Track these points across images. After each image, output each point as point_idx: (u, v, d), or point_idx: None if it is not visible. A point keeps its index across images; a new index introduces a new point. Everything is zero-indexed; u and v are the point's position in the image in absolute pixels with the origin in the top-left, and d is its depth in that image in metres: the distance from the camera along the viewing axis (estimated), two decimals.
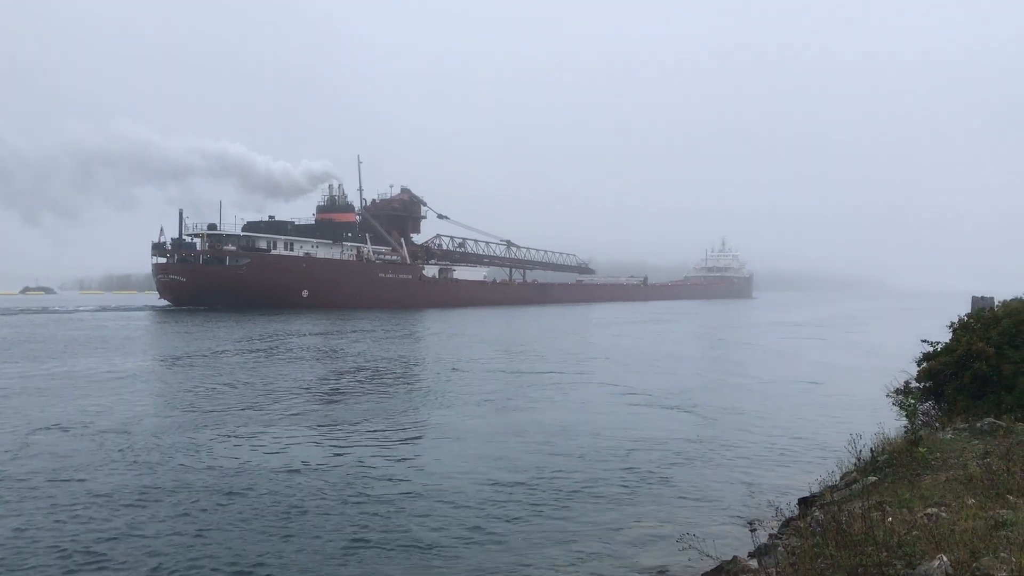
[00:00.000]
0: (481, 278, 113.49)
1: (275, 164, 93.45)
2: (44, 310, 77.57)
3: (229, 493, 11.19)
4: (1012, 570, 4.20)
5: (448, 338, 43.05)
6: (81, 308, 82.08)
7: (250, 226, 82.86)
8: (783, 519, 8.47)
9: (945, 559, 4.36)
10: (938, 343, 11.86)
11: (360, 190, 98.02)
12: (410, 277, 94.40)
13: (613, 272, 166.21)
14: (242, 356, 30.96)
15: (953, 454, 8.24)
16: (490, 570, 8.43)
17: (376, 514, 10.26)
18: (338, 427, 16.24)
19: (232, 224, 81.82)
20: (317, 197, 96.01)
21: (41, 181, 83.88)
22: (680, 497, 11.20)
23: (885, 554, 4.65)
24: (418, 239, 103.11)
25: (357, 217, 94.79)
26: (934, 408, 11.54)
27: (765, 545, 7.12)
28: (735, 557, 7.15)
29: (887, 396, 11.65)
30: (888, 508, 6.16)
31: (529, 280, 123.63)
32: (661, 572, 8.28)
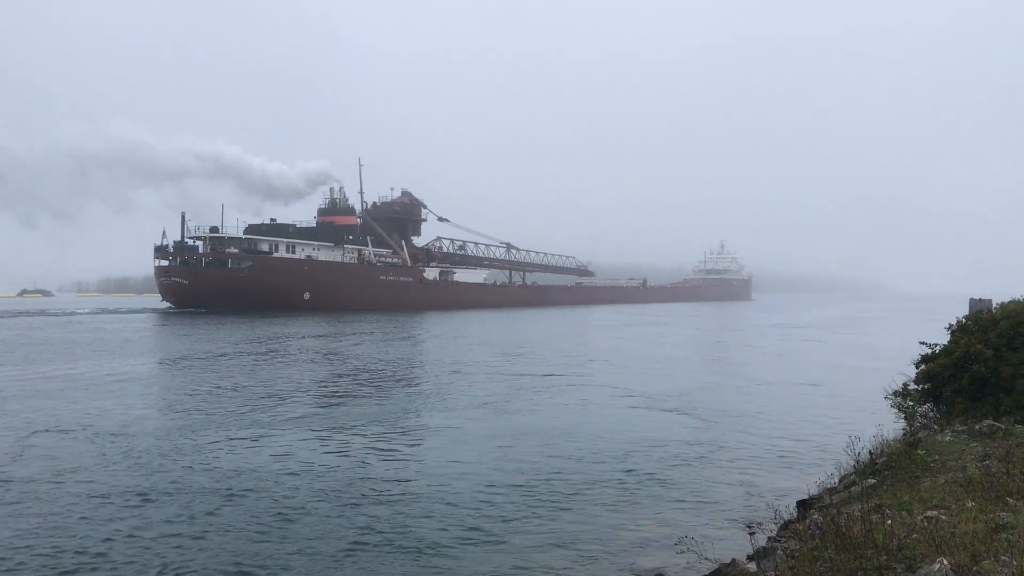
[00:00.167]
0: (481, 280, 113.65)
1: (270, 166, 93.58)
2: (42, 312, 77.43)
3: (230, 495, 11.17)
4: (1013, 573, 4.18)
5: (449, 340, 43.04)
6: (81, 310, 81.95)
7: (252, 229, 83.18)
8: (782, 522, 8.44)
9: (945, 562, 4.33)
10: (936, 345, 11.84)
11: (361, 193, 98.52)
12: (411, 279, 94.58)
13: (612, 274, 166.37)
14: (244, 358, 30.95)
15: (952, 456, 8.22)
16: (489, 572, 8.41)
17: (376, 516, 10.24)
18: (339, 429, 16.21)
19: (234, 227, 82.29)
20: (317, 200, 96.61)
21: (37, 183, 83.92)
22: (678, 499, 11.18)
23: (885, 557, 4.62)
24: (418, 242, 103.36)
25: (358, 220, 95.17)
26: (932, 410, 11.52)
27: (764, 548, 7.10)
28: (734, 560, 7.12)
29: (885, 398, 11.63)
30: (887, 511, 6.13)
31: (529, 282, 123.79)
32: (660, 575, 8.25)
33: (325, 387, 23.11)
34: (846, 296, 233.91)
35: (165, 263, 76.85)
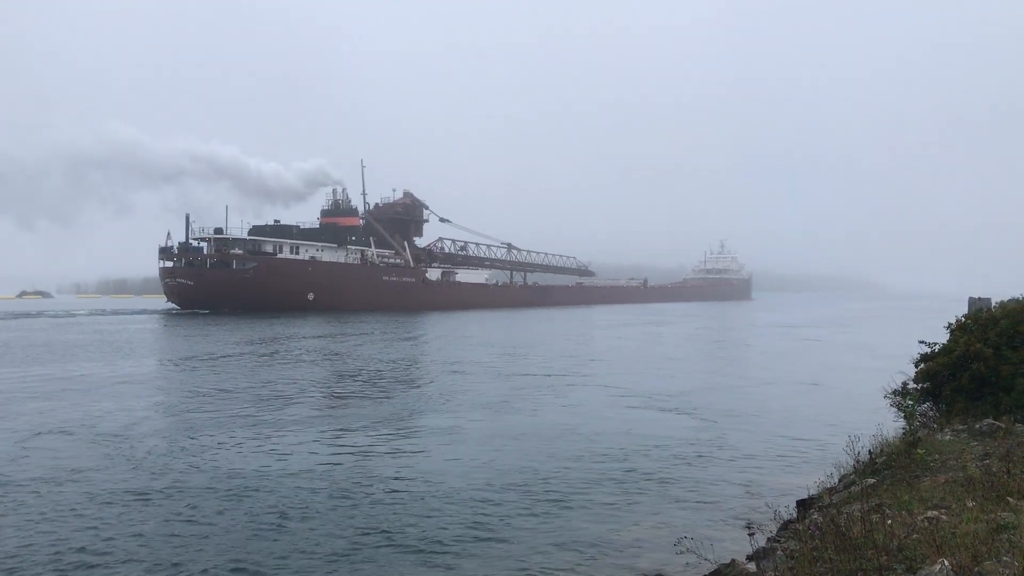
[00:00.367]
0: (483, 281, 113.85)
1: (267, 166, 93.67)
2: (43, 314, 77.37)
3: (232, 495, 11.17)
4: (1014, 574, 4.15)
5: (451, 341, 43.07)
6: (81, 311, 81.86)
7: (256, 230, 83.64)
8: (781, 522, 8.41)
9: (946, 563, 4.30)
10: (936, 344, 11.81)
11: (363, 194, 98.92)
12: (413, 280, 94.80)
13: (613, 274, 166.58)
14: (249, 359, 31.01)
15: (952, 456, 8.19)
16: (489, 571, 8.38)
17: (377, 515, 10.23)
18: (342, 429, 16.21)
19: (238, 228, 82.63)
20: (320, 201, 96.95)
21: (34, 185, 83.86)
22: (678, 499, 11.15)
23: (885, 558, 4.59)
24: (420, 242, 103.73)
25: (361, 221, 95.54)
26: (932, 409, 11.49)
27: (763, 548, 7.06)
28: (733, 560, 7.09)
29: (885, 397, 11.59)
30: (887, 510, 6.10)
31: (530, 283, 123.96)
32: (659, 575, 8.22)
33: (329, 387, 23.11)
34: (845, 295, 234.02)
35: (170, 264, 77.40)
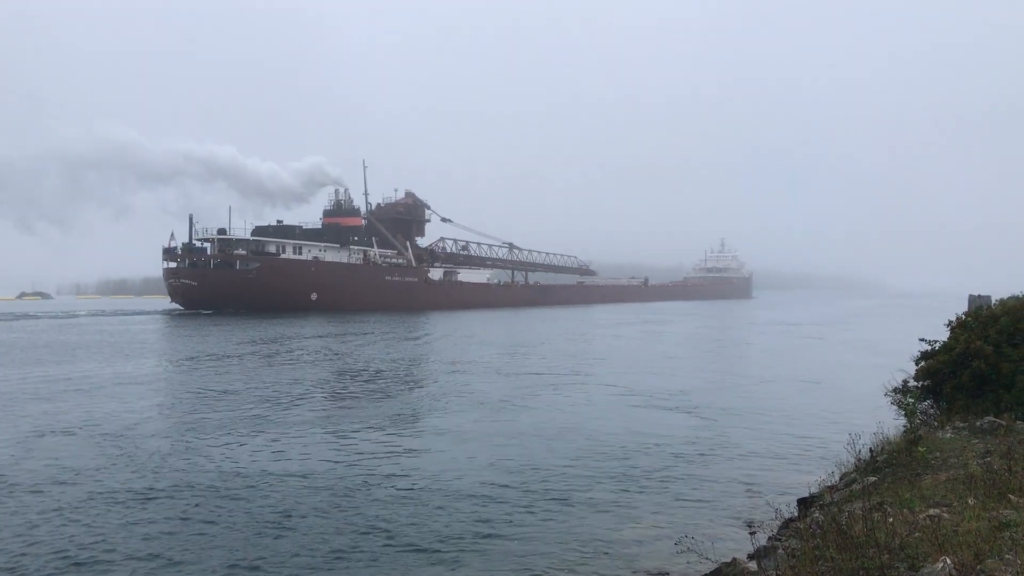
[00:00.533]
0: (485, 280, 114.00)
1: (263, 166, 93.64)
2: (46, 315, 77.33)
3: (233, 495, 11.17)
4: (1017, 572, 4.13)
5: (454, 340, 43.09)
6: (89, 312, 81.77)
7: (259, 231, 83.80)
8: (782, 520, 8.40)
9: (949, 562, 4.28)
10: (936, 342, 11.79)
11: (365, 194, 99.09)
12: (416, 280, 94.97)
13: (614, 273, 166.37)
14: (254, 359, 31.07)
15: (953, 453, 8.17)
16: (489, 571, 8.37)
17: (377, 515, 10.23)
18: (344, 429, 16.22)
19: (242, 229, 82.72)
20: (321, 202, 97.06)
21: (31, 188, 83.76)
22: (678, 498, 11.14)
23: (887, 556, 4.57)
24: (422, 242, 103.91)
25: (363, 221, 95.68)
26: (933, 407, 11.47)
27: (764, 547, 7.05)
28: (734, 559, 7.07)
29: (885, 395, 11.57)
30: (889, 509, 6.08)
31: (531, 282, 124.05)
32: (660, 574, 8.21)
33: (332, 387, 23.12)
34: (846, 293, 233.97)
35: (174, 265, 77.67)
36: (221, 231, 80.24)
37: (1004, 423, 9.15)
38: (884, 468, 8.48)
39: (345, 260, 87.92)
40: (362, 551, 8.97)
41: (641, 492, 11.42)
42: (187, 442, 14.90)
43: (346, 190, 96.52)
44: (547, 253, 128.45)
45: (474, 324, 60.46)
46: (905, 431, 9.43)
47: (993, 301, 13.77)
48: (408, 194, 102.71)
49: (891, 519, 5.57)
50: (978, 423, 9.41)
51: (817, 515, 7.02)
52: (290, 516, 10.21)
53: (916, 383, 11.56)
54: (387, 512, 10.39)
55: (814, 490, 9.64)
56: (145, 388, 23.00)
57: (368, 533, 9.56)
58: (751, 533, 7.11)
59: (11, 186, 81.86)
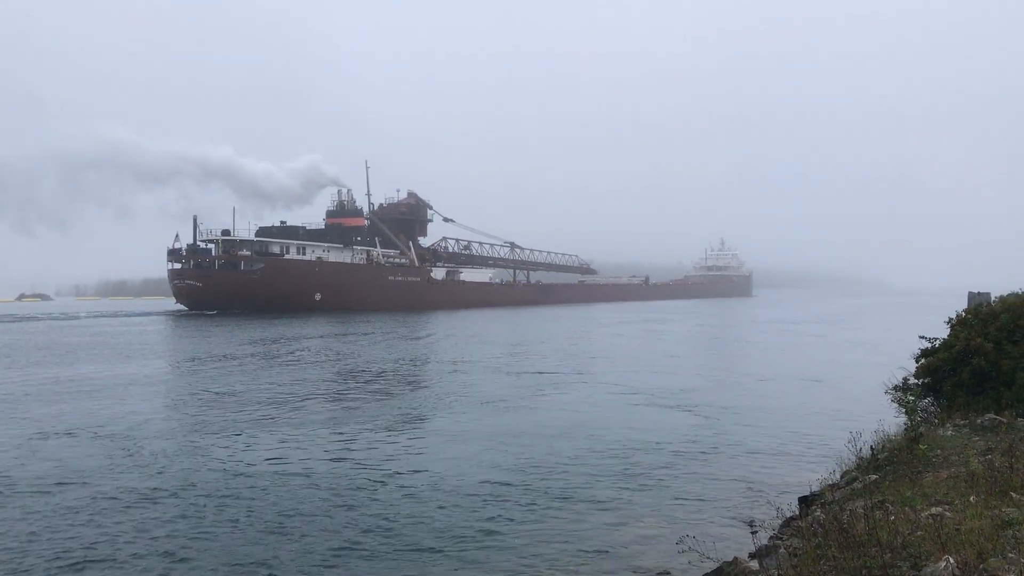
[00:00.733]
0: (487, 280, 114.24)
1: (258, 166, 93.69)
2: (47, 316, 77.32)
3: (236, 495, 11.19)
4: (1020, 571, 4.11)
5: (456, 339, 43.16)
6: (92, 314, 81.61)
7: (263, 231, 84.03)
8: (783, 518, 8.38)
9: (951, 560, 4.27)
10: (936, 339, 11.78)
11: (368, 195, 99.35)
12: (419, 280, 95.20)
13: (615, 272, 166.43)
14: (259, 359, 31.17)
15: (954, 451, 8.15)
16: (489, 571, 8.36)
17: (378, 515, 10.23)
18: (347, 428, 16.25)
19: (245, 230, 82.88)
20: (324, 203, 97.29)
21: (30, 189, 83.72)
22: (679, 497, 11.13)
23: (889, 555, 4.56)
24: (424, 242, 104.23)
25: (366, 221, 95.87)
26: (933, 405, 11.46)
27: (766, 546, 7.03)
28: (736, 558, 7.06)
29: (885, 393, 11.56)
30: (890, 507, 6.07)
31: (533, 281, 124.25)
32: (661, 573, 8.20)
33: (336, 387, 23.16)
34: (845, 291, 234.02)
35: (178, 266, 77.90)
36: (225, 232, 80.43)
37: (1005, 420, 9.14)
38: (885, 466, 8.46)
39: (349, 260, 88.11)
40: (365, 550, 8.97)
41: (642, 491, 11.41)
42: (191, 442, 14.91)
43: (349, 191, 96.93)
44: (549, 252, 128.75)
45: (477, 323, 60.53)
46: (906, 429, 9.41)
47: (993, 298, 13.76)
48: (410, 194, 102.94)
49: (893, 517, 5.56)
50: (979, 420, 9.40)
51: (818, 513, 7.01)
52: (293, 516, 10.22)
53: (916, 381, 11.55)
54: (389, 511, 10.40)
55: (815, 488, 9.62)
56: (150, 389, 23.01)
57: (371, 532, 9.56)
58: (752, 532, 7.08)
59: (10, 187, 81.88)
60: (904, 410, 10.08)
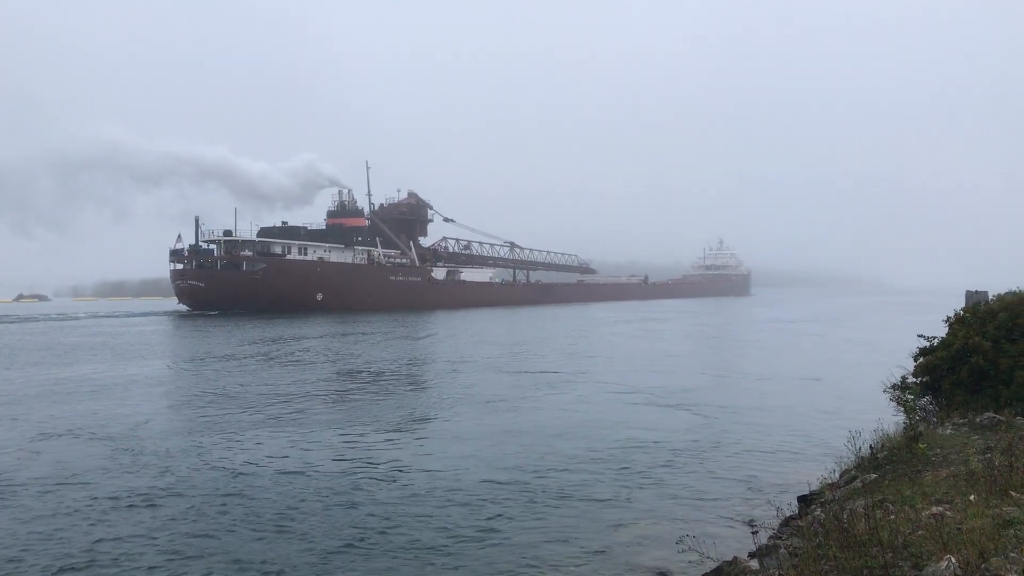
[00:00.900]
0: (487, 279, 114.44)
1: (254, 166, 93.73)
2: (47, 317, 77.15)
3: (237, 495, 11.19)
4: (1022, 570, 4.12)
5: (456, 339, 43.16)
6: (90, 315, 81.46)
7: (264, 232, 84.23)
8: (783, 518, 8.38)
9: (953, 560, 4.27)
10: (934, 338, 11.79)
11: (369, 195, 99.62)
12: (419, 279, 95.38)
13: (613, 272, 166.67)
14: (259, 360, 31.10)
15: (953, 450, 8.16)
16: (489, 570, 8.36)
17: (378, 515, 10.24)
18: (348, 429, 16.24)
19: (247, 230, 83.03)
20: (325, 203, 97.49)
21: (27, 189, 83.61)
22: (679, 496, 11.13)
23: (890, 555, 4.56)
24: (425, 242, 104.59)
25: (367, 221, 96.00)
26: (932, 403, 11.47)
27: (766, 546, 7.03)
28: (735, 558, 7.06)
29: (884, 392, 11.56)
30: (890, 506, 6.07)
31: (532, 281, 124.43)
32: (661, 574, 8.20)
33: (337, 387, 23.17)
34: (843, 290, 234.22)
35: (180, 266, 78.08)
36: (227, 232, 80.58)
37: (1004, 419, 9.15)
38: (885, 465, 8.47)
39: (350, 260, 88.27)
40: (365, 549, 8.96)
41: (641, 490, 11.41)
42: (192, 442, 14.90)
43: (349, 191, 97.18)
44: (548, 252, 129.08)
45: (477, 323, 60.57)
46: (905, 428, 9.42)
47: (991, 297, 13.77)
48: (411, 194, 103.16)
49: (893, 517, 5.56)
50: (977, 419, 9.41)
51: (818, 513, 7.01)
52: (294, 515, 10.22)
53: (915, 379, 11.56)
54: (390, 511, 10.40)
55: (814, 487, 9.63)
56: (151, 389, 23.00)
57: (371, 531, 9.56)
58: (752, 531, 7.09)
59: (8, 188, 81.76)
60: (903, 409, 10.08)
